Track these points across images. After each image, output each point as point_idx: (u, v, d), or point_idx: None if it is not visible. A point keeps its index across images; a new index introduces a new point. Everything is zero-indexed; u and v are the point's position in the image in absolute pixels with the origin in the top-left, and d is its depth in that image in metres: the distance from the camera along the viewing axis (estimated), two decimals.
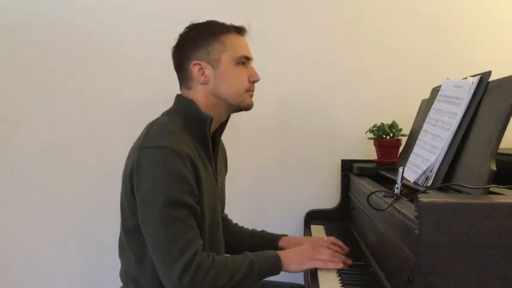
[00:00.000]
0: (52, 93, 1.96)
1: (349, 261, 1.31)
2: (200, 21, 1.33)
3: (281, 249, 1.40)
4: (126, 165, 1.24)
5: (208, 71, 1.28)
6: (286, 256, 1.25)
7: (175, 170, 1.14)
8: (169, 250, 1.11)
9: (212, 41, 1.28)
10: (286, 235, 1.51)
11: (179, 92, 1.35)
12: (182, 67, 1.31)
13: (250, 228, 1.57)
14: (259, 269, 1.19)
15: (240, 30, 1.32)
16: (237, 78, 1.29)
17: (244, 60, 1.31)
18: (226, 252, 1.40)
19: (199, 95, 1.29)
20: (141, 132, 1.27)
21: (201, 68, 1.28)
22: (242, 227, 1.58)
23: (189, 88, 1.31)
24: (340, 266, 1.26)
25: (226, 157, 1.53)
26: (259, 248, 1.34)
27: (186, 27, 1.33)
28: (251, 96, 1.33)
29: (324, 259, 1.27)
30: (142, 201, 1.16)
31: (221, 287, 1.14)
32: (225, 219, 1.57)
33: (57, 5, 1.95)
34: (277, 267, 1.23)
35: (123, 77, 1.96)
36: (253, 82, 1.32)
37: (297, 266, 1.26)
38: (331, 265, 1.26)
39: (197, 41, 1.29)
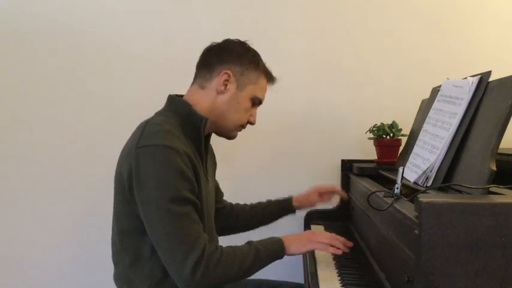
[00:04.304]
0: (49, 93, 1.96)
1: (350, 244, 1.33)
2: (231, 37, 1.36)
3: (297, 208, 1.64)
4: (120, 166, 1.23)
5: (232, 86, 1.30)
6: (287, 240, 1.27)
7: (177, 167, 1.14)
8: (178, 247, 1.12)
9: (252, 69, 1.32)
10: (292, 196, 1.64)
11: (174, 93, 1.34)
12: (211, 67, 1.31)
13: (254, 203, 1.64)
14: (266, 254, 1.22)
15: (271, 79, 1.39)
16: (243, 112, 1.33)
17: (257, 103, 1.37)
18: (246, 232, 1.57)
19: (206, 99, 1.30)
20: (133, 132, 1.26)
21: (227, 80, 1.29)
22: (245, 204, 1.63)
23: (202, 88, 1.32)
24: (340, 252, 1.28)
25: (214, 155, 1.53)
26: (278, 216, 1.60)
27: (237, 39, 1.35)
28: (239, 131, 1.38)
29: (325, 242, 1.29)
30: (146, 200, 1.15)
31: (232, 277, 1.17)
32: (227, 207, 1.60)
33: (53, 4, 1.95)
34: (281, 251, 1.25)
35: (117, 77, 1.96)
36: (249, 123, 1.38)
37: (297, 248, 1.27)
38: (331, 249, 1.28)
39: (242, 58, 1.31)
